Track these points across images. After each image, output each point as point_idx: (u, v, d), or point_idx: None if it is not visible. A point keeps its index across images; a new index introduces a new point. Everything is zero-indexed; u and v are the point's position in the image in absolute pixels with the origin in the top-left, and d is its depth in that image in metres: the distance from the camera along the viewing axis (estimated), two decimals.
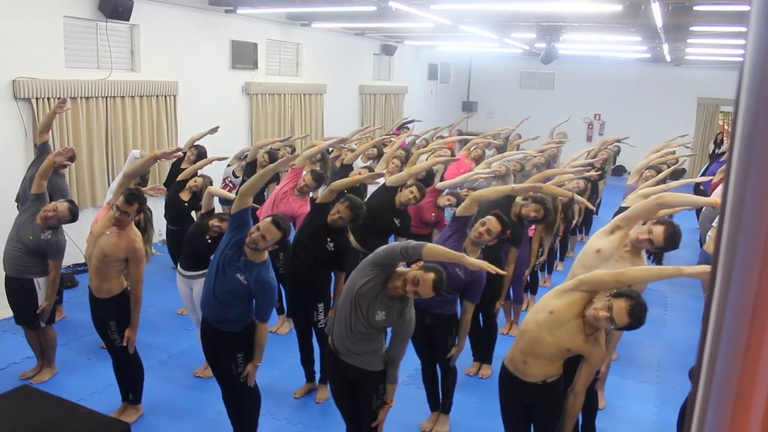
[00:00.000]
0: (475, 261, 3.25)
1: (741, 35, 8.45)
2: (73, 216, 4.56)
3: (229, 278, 3.53)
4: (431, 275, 3.10)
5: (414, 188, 5.37)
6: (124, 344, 4.09)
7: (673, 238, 3.68)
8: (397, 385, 3.45)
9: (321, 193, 4.88)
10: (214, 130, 7.05)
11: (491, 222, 4.06)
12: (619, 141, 10.33)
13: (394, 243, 3.32)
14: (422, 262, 3.21)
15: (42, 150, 5.50)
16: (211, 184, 5.78)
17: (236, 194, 3.74)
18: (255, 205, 4.43)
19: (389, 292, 3.20)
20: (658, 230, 3.66)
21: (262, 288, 3.54)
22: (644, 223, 3.98)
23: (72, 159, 5.44)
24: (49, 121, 5.59)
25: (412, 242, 3.19)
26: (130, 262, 4.02)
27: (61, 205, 4.51)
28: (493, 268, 3.15)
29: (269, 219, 3.53)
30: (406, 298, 3.23)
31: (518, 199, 5.07)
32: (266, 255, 3.62)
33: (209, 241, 4.57)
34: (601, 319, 2.92)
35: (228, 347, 3.69)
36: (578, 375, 3.16)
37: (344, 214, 4.32)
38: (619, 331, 3.77)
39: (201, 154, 6.77)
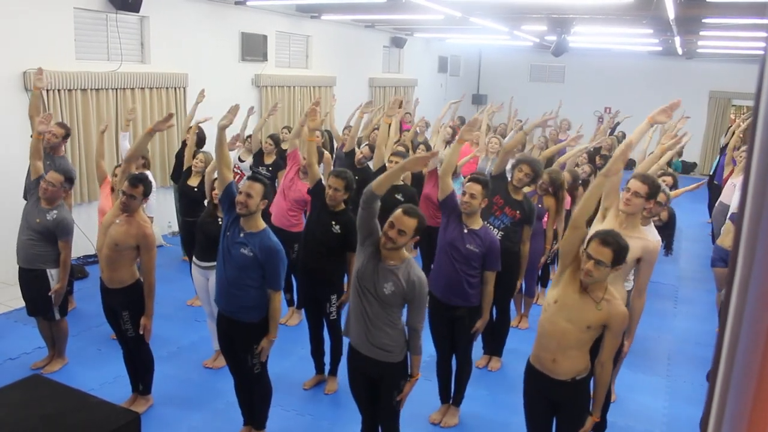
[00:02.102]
0: (419, 155, 3.26)
1: (755, 27, 8.38)
2: (66, 177, 4.60)
3: (236, 256, 3.59)
4: (398, 211, 3.16)
5: (392, 157, 5.49)
6: (141, 332, 4.10)
7: (647, 178, 3.72)
8: (422, 356, 3.42)
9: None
10: (201, 94, 7.17)
11: (470, 186, 4.07)
12: (618, 122, 10.19)
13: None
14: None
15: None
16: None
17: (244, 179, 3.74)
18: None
19: (385, 260, 3.20)
20: (634, 182, 3.69)
21: (268, 253, 3.58)
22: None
23: (67, 136, 5.50)
24: (37, 102, 5.50)
25: (364, 194, 3.24)
26: (141, 250, 4.03)
27: (50, 174, 4.55)
28: (430, 154, 3.19)
29: (246, 179, 3.63)
30: (406, 260, 3.23)
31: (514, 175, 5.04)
32: (263, 224, 3.68)
33: (220, 222, 4.55)
34: (590, 270, 2.94)
35: (245, 338, 3.70)
36: (603, 343, 3.12)
37: (335, 183, 4.33)
38: (638, 313, 3.77)
39: (201, 139, 6.80)
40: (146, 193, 4.07)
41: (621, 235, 3.04)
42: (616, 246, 2.93)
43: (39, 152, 4.76)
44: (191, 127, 6.94)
